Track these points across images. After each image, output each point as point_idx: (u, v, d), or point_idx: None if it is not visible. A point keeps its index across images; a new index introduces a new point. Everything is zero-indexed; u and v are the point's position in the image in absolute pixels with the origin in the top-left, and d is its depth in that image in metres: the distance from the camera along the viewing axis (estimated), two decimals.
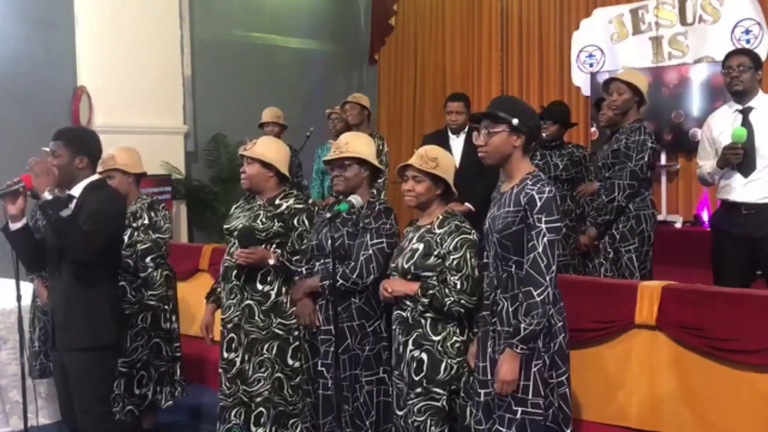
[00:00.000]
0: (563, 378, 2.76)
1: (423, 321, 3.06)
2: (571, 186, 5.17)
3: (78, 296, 3.25)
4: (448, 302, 2.99)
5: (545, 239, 2.64)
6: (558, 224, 2.68)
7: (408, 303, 3.08)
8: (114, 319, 3.35)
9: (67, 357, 3.29)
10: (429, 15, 9.45)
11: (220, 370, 3.62)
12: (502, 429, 2.74)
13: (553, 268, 2.65)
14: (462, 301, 3.00)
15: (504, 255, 2.76)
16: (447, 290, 3.00)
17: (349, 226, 3.31)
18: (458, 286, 2.99)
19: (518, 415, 2.71)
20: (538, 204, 2.66)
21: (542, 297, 2.63)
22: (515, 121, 2.74)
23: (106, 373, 3.36)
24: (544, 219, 2.65)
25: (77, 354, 3.25)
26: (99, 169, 4.14)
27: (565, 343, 2.77)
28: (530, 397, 2.70)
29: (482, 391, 2.85)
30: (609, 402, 3.56)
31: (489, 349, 2.83)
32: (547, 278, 2.64)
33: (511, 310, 2.73)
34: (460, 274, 3.00)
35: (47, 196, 3.05)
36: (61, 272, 3.28)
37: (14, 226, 3.18)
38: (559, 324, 2.75)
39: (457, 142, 5.39)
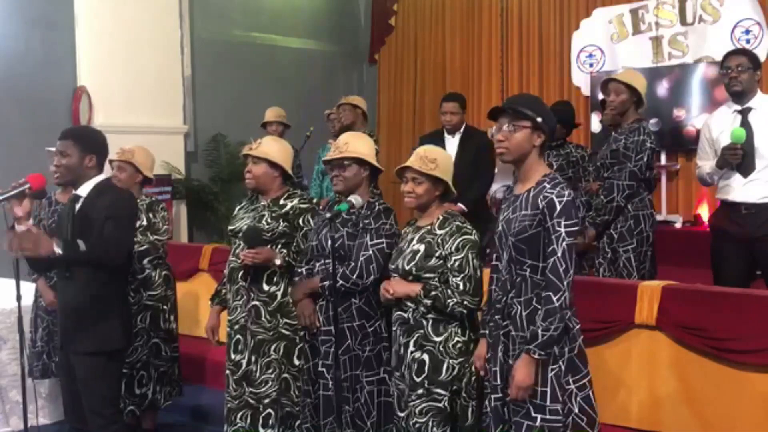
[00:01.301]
0: (585, 381, 2.71)
1: (424, 322, 3.05)
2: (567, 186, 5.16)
3: (89, 299, 3.24)
4: (450, 303, 2.99)
5: (564, 243, 2.60)
6: (576, 228, 2.64)
7: (409, 304, 3.07)
8: (123, 324, 3.35)
9: (75, 360, 3.28)
10: (429, 15, 9.45)
11: (227, 371, 3.61)
12: None
13: (571, 272, 2.61)
14: (465, 302, 2.99)
15: (519, 258, 2.71)
16: (449, 291, 2.99)
17: (349, 226, 3.30)
18: (461, 287, 2.99)
19: (537, 422, 2.65)
20: (558, 208, 2.61)
21: (560, 302, 2.59)
22: (540, 119, 2.69)
23: (113, 377, 3.35)
24: (563, 223, 2.61)
25: (85, 357, 3.24)
26: (114, 156, 4.17)
27: (583, 346, 2.73)
28: (548, 403, 2.65)
29: (493, 396, 2.80)
30: (609, 402, 3.56)
31: (500, 354, 2.77)
32: (565, 283, 2.59)
33: (525, 314, 2.69)
34: (462, 275, 2.99)
35: (59, 250, 3.00)
36: (72, 274, 3.25)
37: (21, 228, 3.18)
38: (577, 327, 2.71)
39: (451, 143, 5.39)
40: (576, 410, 2.70)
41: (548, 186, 2.67)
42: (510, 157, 2.76)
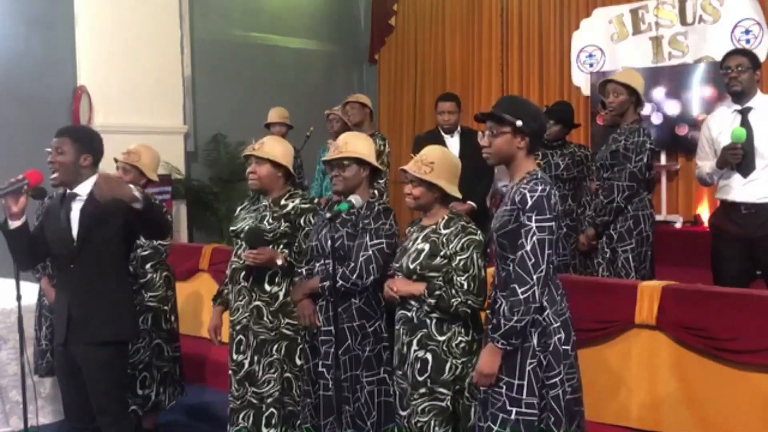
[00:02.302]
0: (556, 380, 2.71)
1: (428, 321, 3.05)
2: (573, 185, 5.17)
3: (98, 290, 3.24)
4: (454, 303, 2.99)
5: (534, 238, 2.63)
6: (550, 223, 2.64)
7: (413, 303, 3.07)
8: (132, 315, 3.37)
9: (85, 352, 3.24)
10: (429, 15, 9.46)
11: (230, 372, 3.62)
12: (494, 427, 2.72)
13: (543, 267, 2.62)
14: (469, 302, 2.99)
15: (502, 254, 2.76)
16: (453, 291, 2.99)
17: (349, 226, 3.30)
18: (465, 287, 2.99)
19: (512, 416, 2.68)
20: (529, 202, 2.65)
21: (526, 295, 2.61)
22: (519, 123, 2.73)
23: (120, 371, 3.35)
24: (534, 218, 2.64)
25: (97, 349, 3.22)
26: (120, 157, 4.16)
27: (561, 344, 2.71)
28: (524, 396, 2.68)
29: (482, 388, 2.86)
30: (609, 402, 3.57)
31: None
32: (534, 277, 2.62)
33: (505, 308, 2.72)
34: (466, 275, 2.99)
35: (138, 195, 2.96)
36: (77, 267, 3.24)
37: (14, 224, 3.17)
38: (555, 324, 2.70)
39: (452, 142, 5.38)
40: (549, 407, 2.72)
41: (525, 182, 2.72)
42: (494, 161, 2.85)
